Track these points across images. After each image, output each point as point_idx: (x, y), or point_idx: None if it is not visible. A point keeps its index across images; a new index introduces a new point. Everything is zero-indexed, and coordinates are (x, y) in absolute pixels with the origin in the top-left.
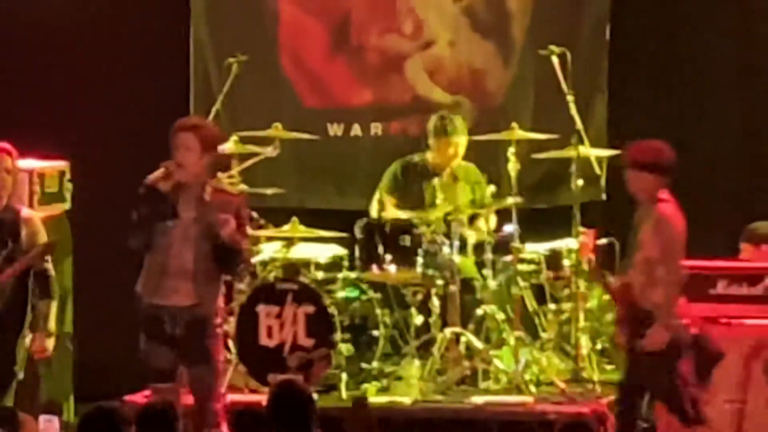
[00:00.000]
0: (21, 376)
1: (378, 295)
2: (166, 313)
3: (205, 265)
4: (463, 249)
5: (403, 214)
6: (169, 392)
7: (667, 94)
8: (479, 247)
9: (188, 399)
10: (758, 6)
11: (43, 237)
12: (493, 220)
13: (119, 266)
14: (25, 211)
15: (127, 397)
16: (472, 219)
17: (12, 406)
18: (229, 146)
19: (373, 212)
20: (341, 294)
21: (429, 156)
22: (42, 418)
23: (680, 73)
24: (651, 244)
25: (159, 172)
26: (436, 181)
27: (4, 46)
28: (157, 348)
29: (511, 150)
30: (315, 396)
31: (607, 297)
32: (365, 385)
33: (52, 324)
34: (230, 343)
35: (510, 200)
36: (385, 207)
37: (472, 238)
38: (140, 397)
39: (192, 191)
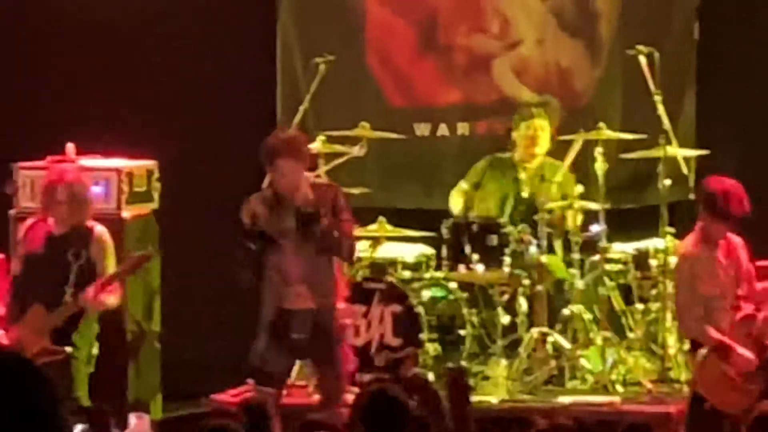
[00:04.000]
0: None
1: (465, 295)
2: (292, 318)
3: (317, 267)
4: (550, 248)
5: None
6: (270, 396)
7: (756, 93)
8: (566, 247)
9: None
10: None
11: (111, 256)
12: (579, 218)
13: (206, 265)
14: (98, 229)
15: (213, 396)
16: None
17: (101, 405)
18: (316, 146)
19: (456, 206)
20: (428, 293)
21: (515, 153)
22: (132, 415)
23: None
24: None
25: (248, 220)
26: (522, 176)
27: (96, 46)
28: (275, 352)
29: (599, 150)
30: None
31: None
32: None
33: None
34: None
35: (596, 205)
36: (472, 202)
37: (557, 234)
38: (227, 396)
39: (289, 201)
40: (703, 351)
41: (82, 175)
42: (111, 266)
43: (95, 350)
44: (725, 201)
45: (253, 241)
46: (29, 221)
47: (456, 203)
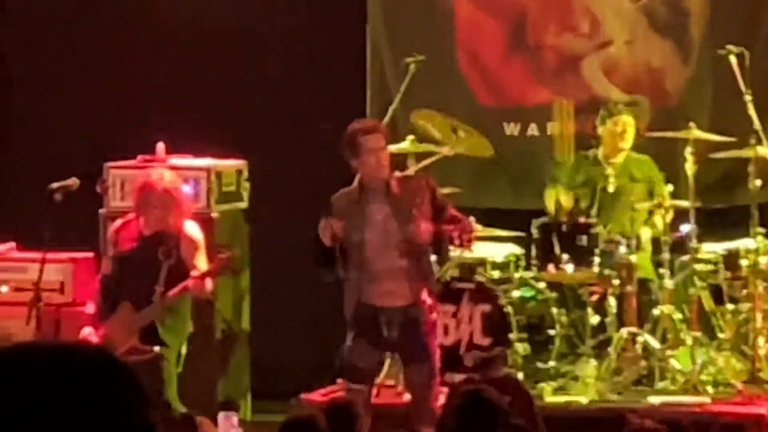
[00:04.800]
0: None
1: (554, 295)
2: (382, 315)
3: (414, 260)
4: (639, 248)
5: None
6: (359, 393)
7: None
8: (655, 246)
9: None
10: None
11: (202, 253)
12: (669, 216)
13: (296, 265)
14: (189, 226)
15: (303, 395)
16: (648, 214)
17: (188, 412)
18: (405, 145)
19: (551, 205)
20: (517, 293)
21: (600, 150)
22: (221, 414)
23: None
24: None
25: (328, 240)
26: (610, 172)
27: (186, 47)
28: (365, 348)
29: (689, 150)
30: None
31: None
32: (541, 385)
33: None
34: None
35: (687, 203)
36: (560, 201)
37: (647, 233)
38: (317, 395)
39: (379, 190)
40: None
41: (177, 180)
42: (202, 262)
43: (184, 350)
44: None
45: (332, 258)
46: (119, 222)
47: (549, 202)
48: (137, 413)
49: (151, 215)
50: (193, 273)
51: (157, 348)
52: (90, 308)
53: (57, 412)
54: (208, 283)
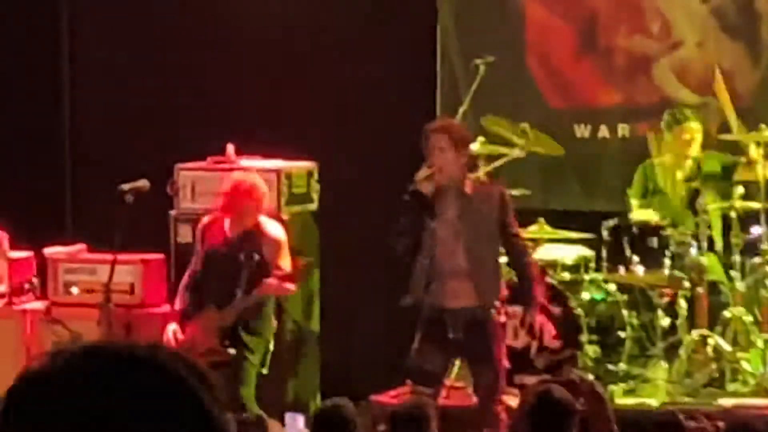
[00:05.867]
0: (265, 371)
1: (624, 297)
2: (448, 316)
3: (481, 263)
4: (710, 250)
5: (653, 215)
6: (427, 396)
7: None
8: (727, 249)
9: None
10: None
11: (285, 254)
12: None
13: (365, 266)
14: (270, 228)
15: (373, 397)
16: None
17: (260, 414)
18: (475, 147)
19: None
20: (587, 295)
21: (666, 157)
22: (287, 415)
23: None
24: None
25: (424, 172)
26: (679, 176)
27: (256, 48)
28: (431, 350)
29: (760, 152)
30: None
31: None
32: (612, 387)
33: None
34: None
35: (758, 205)
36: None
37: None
38: (387, 397)
39: (451, 191)
40: None
41: (261, 180)
42: (286, 263)
43: (272, 347)
44: None
45: (412, 207)
46: (206, 219)
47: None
48: (209, 416)
49: (239, 216)
50: (276, 273)
51: (232, 351)
52: (177, 304)
53: (127, 415)
54: (291, 285)
